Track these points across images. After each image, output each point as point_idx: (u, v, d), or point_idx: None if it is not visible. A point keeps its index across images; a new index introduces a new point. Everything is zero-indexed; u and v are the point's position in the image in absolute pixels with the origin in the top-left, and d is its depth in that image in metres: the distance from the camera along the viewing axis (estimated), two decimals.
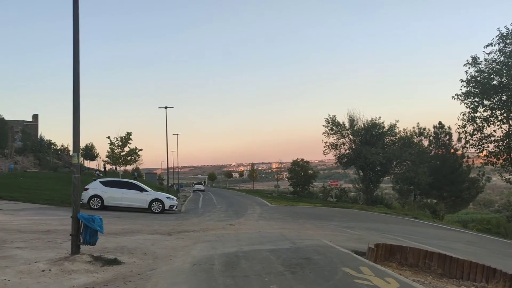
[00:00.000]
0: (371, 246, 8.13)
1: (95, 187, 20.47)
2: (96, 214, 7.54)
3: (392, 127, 44.01)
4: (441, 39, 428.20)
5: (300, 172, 55.41)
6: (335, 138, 45.07)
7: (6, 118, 58.58)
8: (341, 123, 44.80)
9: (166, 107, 41.89)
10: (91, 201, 19.87)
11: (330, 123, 44.74)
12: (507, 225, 29.72)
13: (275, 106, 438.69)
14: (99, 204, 19.93)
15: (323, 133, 45.01)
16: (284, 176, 70.62)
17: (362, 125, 44.23)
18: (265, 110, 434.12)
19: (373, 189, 45.48)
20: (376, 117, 44.16)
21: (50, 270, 6.05)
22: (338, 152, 45.44)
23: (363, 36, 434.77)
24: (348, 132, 44.81)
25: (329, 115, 44.98)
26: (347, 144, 45.19)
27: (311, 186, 57.16)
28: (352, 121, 44.65)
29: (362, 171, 44.66)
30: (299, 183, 55.41)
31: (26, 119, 76.91)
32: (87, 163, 78.50)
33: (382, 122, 43.93)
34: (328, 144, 45.14)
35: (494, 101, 26.10)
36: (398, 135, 45.03)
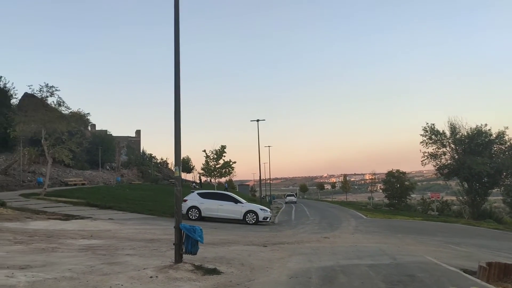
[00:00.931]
0: (483, 264, 7.43)
1: (193, 199, 21.43)
2: (195, 225, 7.89)
3: (501, 134, 40.37)
4: None
5: (396, 184, 53.02)
6: (434, 147, 42.62)
7: (113, 135, 64.50)
8: (441, 132, 42.21)
9: (257, 120, 42.90)
10: (190, 212, 20.82)
11: (429, 132, 42.39)
12: None
13: (368, 115, 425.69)
14: (197, 215, 20.82)
15: (421, 142, 42.81)
16: (379, 188, 68.06)
17: (466, 133, 41.16)
18: (358, 120, 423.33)
19: (480, 202, 41.86)
20: (481, 124, 40.91)
21: (157, 277, 6.43)
22: (438, 162, 42.85)
23: (463, 37, 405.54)
24: (450, 141, 42.04)
25: (427, 123, 42.80)
26: (449, 154, 42.40)
27: (408, 198, 54.34)
28: (453, 129, 41.84)
29: (466, 182, 41.45)
30: (395, 195, 53.00)
31: (130, 135, 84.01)
32: (184, 176, 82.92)
33: (489, 130, 40.52)
34: (426, 154, 42.79)
35: None
36: (509, 143, 41.02)
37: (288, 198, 70.81)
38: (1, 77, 41.86)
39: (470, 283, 6.51)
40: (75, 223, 15.03)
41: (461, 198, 44.90)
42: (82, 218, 16.95)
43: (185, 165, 78.42)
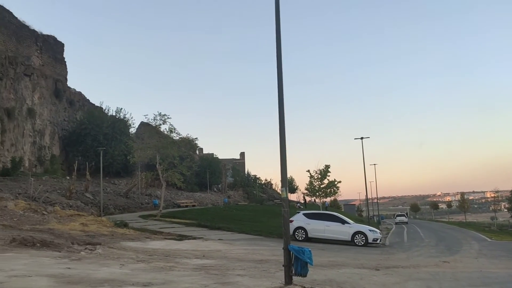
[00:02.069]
0: None
1: (299, 219, 21.29)
2: (301, 246, 7.73)
3: None
4: None
5: None
6: None
7: (219, 157, 67.58)
8: None
9: (361, 138, 41.61)
10: (296, 233, 20.68)
11: None
12: None
13: (488, 126, 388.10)
14: (304, 236, 20.59)
15: None
16: (503, 207, 61.17)
17: None
18: (477, 131, 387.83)
19: None
20: None
21: None
22: None
23: None
24: None
25: None
26: None
27: None
28: None
29: None
30: None
31: (235, 157, 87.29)
32: (288, 196, 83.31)
33: None
34: None
35: None
36: None
37: (398, 218, 67.05)
38: (121, 109, 46.76)
39: None
40: (188, 243, 15.81)
41: None
42: (194, 238, 17.78)
43: (289, 185, 78.32)
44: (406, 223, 62.74)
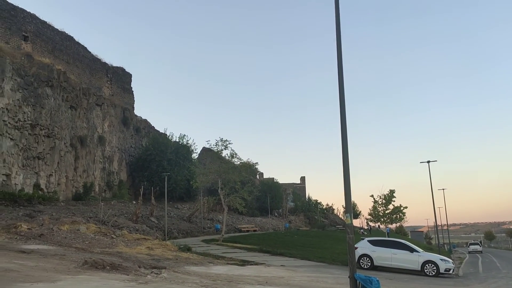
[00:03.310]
0: None
1: (364, 246, 20.50)
2: (366, 274, 7.37)
3: None
4: None
5: None
6: None
7: (280, 182, 67.35)
8: None
9: (428, 161, 39.66)
10: (361, 260, 19.89)
11: None
12: None
13: None
14: (369, 264, 19.75)
15: None
16: None
17: None
18: None
19: None
20: None
21: None
22: None
23: None
24: None
25: None
26: None
27: None
28: None
29: None
30: None
31: (295, 181, 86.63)
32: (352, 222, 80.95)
33: None
34: None
35: None
36: None
37: (472, 247, 62.66)
38: (184, 135, 48.33)
39: None
40: (250, 269, 15.70)
41: None
42: (257, 264, 17.64)
43: (352, 210, 76.71)
44: (481, 252, 58.42)
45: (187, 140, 48.00)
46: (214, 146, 29.15)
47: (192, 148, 48.01)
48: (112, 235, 20.68)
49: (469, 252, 58.40)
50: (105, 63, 42.73)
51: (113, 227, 23.87)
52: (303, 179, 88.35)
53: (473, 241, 70.68)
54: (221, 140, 28.61)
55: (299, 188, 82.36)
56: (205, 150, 49.09)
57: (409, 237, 76.21)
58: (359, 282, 7.27)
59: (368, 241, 21.17)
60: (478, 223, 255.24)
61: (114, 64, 44.48)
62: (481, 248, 63.92)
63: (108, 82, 42.69)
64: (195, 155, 48.66)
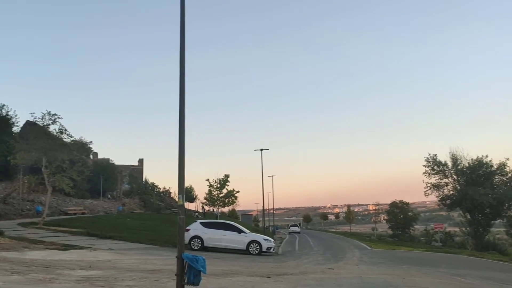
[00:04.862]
0: None
1: (195, 228, 21.10)
2: (198, 255, 7.64)
3: (502, 165, 40.23)
4: None
5: (400, 215, 52.58)
6: (437, 178, 42.29)
7: (116, 163, 64.37)
8: (443, 163, 42.08)
9: (261, 150, 42.70)
10: (192, 242, 20.45)
11: (431, 163, 42.38)
12: None
13: (372, 146, 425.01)
14: (200, 245, 20.43)
15: (424, 173, 42.70)
16: (382, 219, 67.27)
17: (467, 164, 41.03)
18: (362, 150, 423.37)
19: (483, 233, 41.29)
20: (482, 156, 40.75)
21: None
22: (441, 193, 42.47)
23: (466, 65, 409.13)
24: (451, 171, 41.86)
25: (429, 154, 42.74)
26: (451, 185, 42.06)
27: (411, 229, 53.69)
28: (455, 160, 41.84)
29: (469, 213, 41.10)
30: (398, 226, 52.50)
31: (133, 164, 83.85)
32: (187, 205, 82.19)
33: (490, 161, 40.43)
34: (429, 184, 42.44)
35: None
36: (510, 174, 40.85)
37: (292, 228, 70.05)
38: (3, 105, 42.13)
39: None
40: (73, 253, 14.71)
41: (464, 229, 44.48)
42: (81, 248, 16.63)
43: (188, 194, 77.73)
44: (299, 233, 65.65)
45: (8, 111, 42.02)
46: (40, 120, 26.09)
47: (14, 120, 42.25)
48: None
49: (289, 233, 65.05)
50: None
51: None
52: (141, 161, 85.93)
53: (293, 224, 78.97)
54: (49, 113, 25.72)
55: (136, 171, 79.88)
56: (29, 124, 43.65)
57: (240, 220, 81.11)
58: (186, 262, 7.42)
59: (200, 223, 21.88)
60: (300, 207, 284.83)
61: None
62: (299, 229, 71.93)
63: None
64: (16, 129, 42.88)
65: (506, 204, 40.56)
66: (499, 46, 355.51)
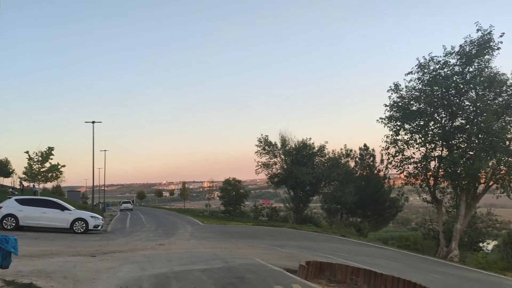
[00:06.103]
0: (302, 263, 8.18)
1: (10, 206, 18.83)
2: (8, 235, 6.86)
3: (322, 148, 45.34)
4: (370, 67, 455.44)
5: (232, 191, 55.29)
6: (267, 157, 45.52)
7: None
8: (273, 143, 45.43)
9: (93, 122, 39.93)
10: (4, 221, 18.23)
11: (263, 143, 45.20)
12: (423, 242, 31.76)
13: (208, 124, 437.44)
14: (13, 224, 18.32)
15: (256, 152, 45.31)
16: (216, 195, 70.02)
17: (294, 146, 45.14)
18: (198, 128, 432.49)
19: (303, 208, 46.39)
20: (306, 138, 45.20)
21: None
22: (270, 171, 45.90)
23: (287, 54, 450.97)
24: (280, 152, 45.47)
25: (261, 134, 45.41)
26: (279, 164, 45.82)
27: (242, 205, 57.20)
28: (284, 141, 45.39)
29: (292, 190, 45.43)
30: (230, 202, 55.21)
31: None
32: (1, 180, 72.58)
33: (312, 143, 45.13)
34: (260, 163, 45.48)
35: (413, 125, 27.83)
36: (327, 156, 46.48)
37: (124, 205, 67.98)
38: None
39: (291, 281, 7.08)
40: None
41: (287, 204, 49.19)
42: None
43: (3, 168, 68.79)
44: (131, 210, 64.13)
45: None
46: None
47: None
48: None
49: (121, 210, 63.03)
50: None
51: None
52: None
53: (125, 200, 76.61)
54: None
55: None
56: None
57: (66, 197, 75.03)
58: None
59: (16, 200, 19.63)
60: (134, 184, 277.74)
61: None
62: (132, 206, 70.24)
63: None
64: None
65: (323, 182, 46.04)
66: None
